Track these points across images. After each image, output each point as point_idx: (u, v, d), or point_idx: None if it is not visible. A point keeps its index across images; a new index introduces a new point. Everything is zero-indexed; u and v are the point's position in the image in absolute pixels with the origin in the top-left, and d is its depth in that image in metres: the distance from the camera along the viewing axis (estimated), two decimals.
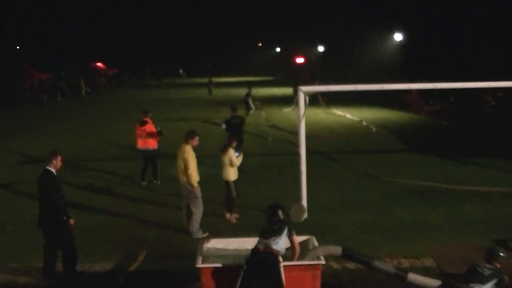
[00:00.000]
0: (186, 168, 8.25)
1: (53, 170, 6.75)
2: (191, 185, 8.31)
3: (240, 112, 15.59)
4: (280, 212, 6.08)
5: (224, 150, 9.18)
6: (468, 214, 9.43)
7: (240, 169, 9.62)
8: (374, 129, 19.60)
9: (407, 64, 38.20)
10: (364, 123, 21.47)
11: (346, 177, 12.31)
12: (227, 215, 9.27)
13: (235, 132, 12.86)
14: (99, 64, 52.95)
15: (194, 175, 8.28)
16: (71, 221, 6.73)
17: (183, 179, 8.36)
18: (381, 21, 42.26)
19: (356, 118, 23.15)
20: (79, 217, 9.41)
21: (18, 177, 12.65)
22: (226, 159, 9.09)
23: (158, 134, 11.93)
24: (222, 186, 9.76)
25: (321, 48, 60.48)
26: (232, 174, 9.13)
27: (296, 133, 9.46)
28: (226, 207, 9.34)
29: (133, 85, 52.55)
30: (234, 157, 9.11)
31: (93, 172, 13.25)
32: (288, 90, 35.80)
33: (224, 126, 13.21)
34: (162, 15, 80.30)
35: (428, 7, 36.53)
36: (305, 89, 8.85)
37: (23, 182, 12.13)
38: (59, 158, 6.84)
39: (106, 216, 9.38)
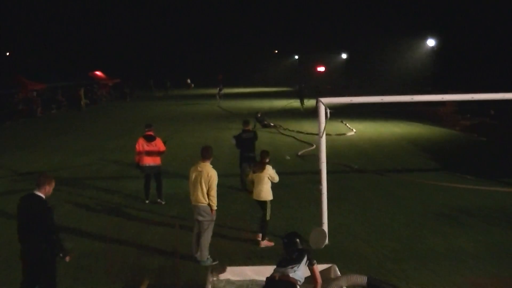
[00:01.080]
0: (210, 189, 8.33)
1: (44, 197, 6.31)
2: (211, 207, 8.40)
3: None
4: (298, 241, 6.21)
5: (260, 167, 9.32)
6: (511, 242, 9.36)
7: (252, 190, 9.69)
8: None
9: (441, 73, 38.06)
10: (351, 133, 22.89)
11: (371, 199, 12.29)
12: (263, 242, 9.29)
13: (246, 148, 13.04)
14: (98, 73, 53.65)
15: (216, 196, 8.44)
16: (68, 259, 6.49)
17: (201, 200, 8.39)
18: (412, 25, 42.17)
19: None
20: (77, 242, 9.54)
21: (7, 200, 12.76)
22: (264, 177, 9.21)
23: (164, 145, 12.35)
24: (232, 209, 9.76)
25: (344, 56, 60.70)
26: (271, 193, 9.32)
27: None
28: (262, 231, 9.39)
29: (136, 97, 53.15)
30: (274, 172, 9.31)
31: (92, 191, 13.42)
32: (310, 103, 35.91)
33: (234, 141, 13.35)
34: (168, 21, 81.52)
35: (465, 9, 36.33)
36: (325, 101, 8.93)
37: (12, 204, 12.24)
38: (52, 184, 6.44)
39: (106, 241, 9.47)
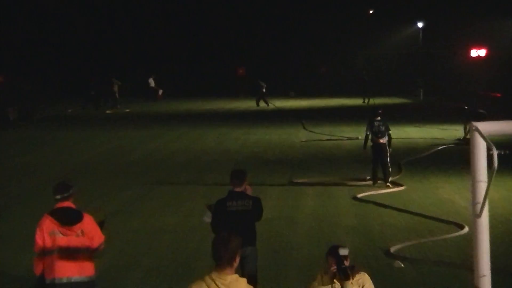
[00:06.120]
0: None
1: None
2: None
3: None
4: None
5: (347, 273, 9.69)
6: None
7: None
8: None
9: None
10: None
11: None
12: None
13: (239, 232, 13.08)
14: None
15: None
16: None
17: None
18: None
19: None
20: None
21: None
22: None
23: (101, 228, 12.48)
24: None
25: None
26: None
27: None
28: None
29: (42, 119, 54.13)
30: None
31: None
32: None
33: (207, 218, 14.17)
34: None
35: None
36: (487, 128, 8.81)
37: None
38: None
39: None
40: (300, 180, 27.59)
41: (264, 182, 27.21)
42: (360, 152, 29.91)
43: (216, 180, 28.60)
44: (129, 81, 69.74)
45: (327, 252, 10.16)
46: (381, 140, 26.44)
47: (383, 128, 26.68)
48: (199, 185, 27.81)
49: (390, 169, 26.84)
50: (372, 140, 26.76)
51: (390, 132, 27.10)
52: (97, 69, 71.33)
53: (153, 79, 69.96)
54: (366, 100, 62.91)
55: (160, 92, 69.74)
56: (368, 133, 27.09)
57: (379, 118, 27.02)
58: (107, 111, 60.29)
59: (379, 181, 26.68)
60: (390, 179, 26.76)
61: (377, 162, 26.48)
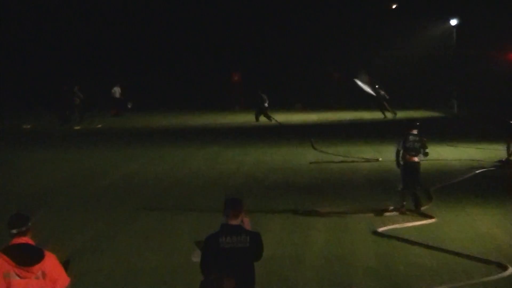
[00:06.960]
0: None
1: None
2: None
3: None
4: None
5: None
6: None
7: None
8: None
9: None
10: None
11: None
12: None
13: (234, 274, 13.04)
14: None
15: None
16: None
17: None
18: None
19: None
20: None
21: None
22: None
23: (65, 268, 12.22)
24: None
25: None
26: None
27: None
28: None
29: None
30: None
31: None
32: None
33: (195, 257, 14.27)
34: None
35: None
36: None
37: None
38: None
39: None
40: (322, 211, 27.36)
41: (264, 213, 27.11)
42: (381, 177, 29.92)
43: (207, 210, 28.52)
44: (97, 91, 69.63)
45: None
46: (415, 159, 26.47)
47: (418, 145, 26.72)
48: (185, 216, 27.64)
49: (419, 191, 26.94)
50: (403, 158, 26.76)
51: (428, 150, 27.34)
52: (60, 76, 71.39)
53: (118, 89, 69.21)
54: (393, 114, 63.02)
55: (130, 105, 69.23)
56: (400, 148, 27.09)
57: (415, 132, 27.08)
58: (75, 127, 60.45)
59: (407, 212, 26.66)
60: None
61: (408, 186, 26.38)
